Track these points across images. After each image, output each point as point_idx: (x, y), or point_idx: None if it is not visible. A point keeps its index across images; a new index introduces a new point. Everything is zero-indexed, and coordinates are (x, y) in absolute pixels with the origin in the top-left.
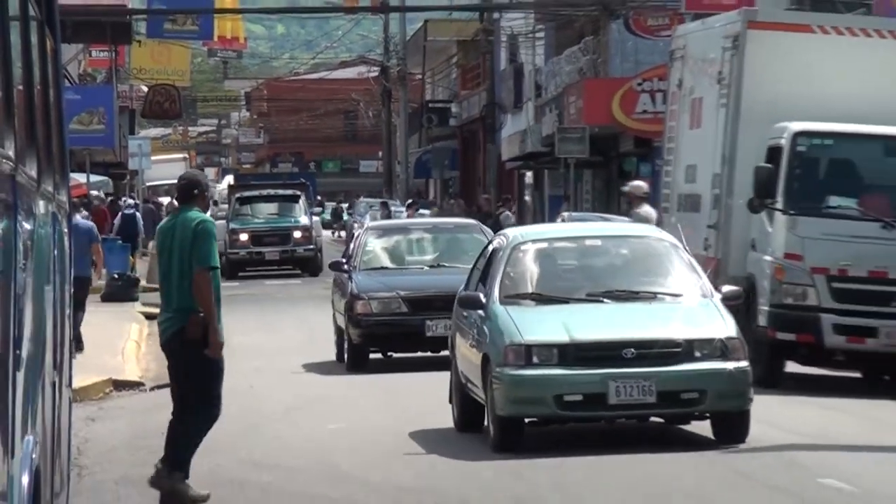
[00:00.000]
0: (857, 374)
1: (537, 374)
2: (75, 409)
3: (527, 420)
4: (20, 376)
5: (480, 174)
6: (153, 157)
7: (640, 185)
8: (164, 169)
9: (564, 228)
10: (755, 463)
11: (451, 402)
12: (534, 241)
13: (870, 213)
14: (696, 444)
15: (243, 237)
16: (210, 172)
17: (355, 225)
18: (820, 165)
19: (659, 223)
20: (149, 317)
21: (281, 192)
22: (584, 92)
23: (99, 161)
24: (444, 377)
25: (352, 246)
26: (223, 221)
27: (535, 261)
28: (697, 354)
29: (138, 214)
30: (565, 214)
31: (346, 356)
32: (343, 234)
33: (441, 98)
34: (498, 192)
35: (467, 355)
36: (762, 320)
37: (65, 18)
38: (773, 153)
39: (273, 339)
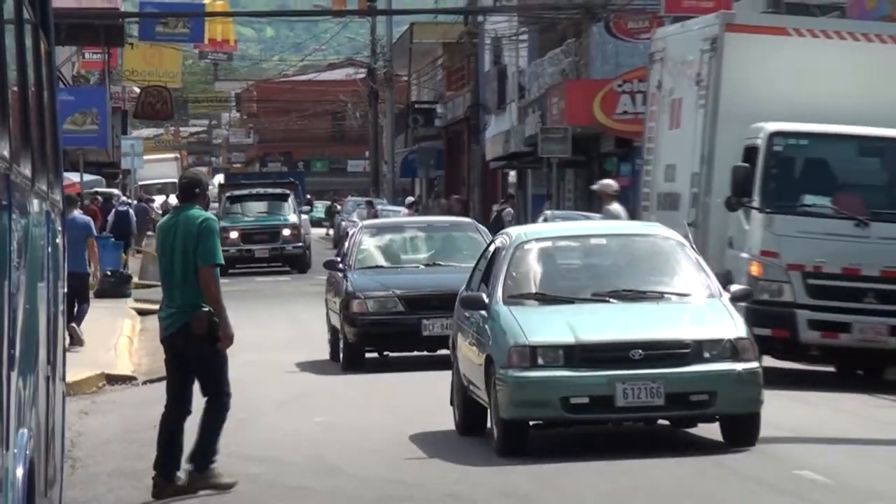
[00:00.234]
0: (831, 369)
1: (542, 375)
2: (69, 403)
3: (531, 423)
4: (14, 371)
5: (465, 174)
6: (145, 157)
7: (611, 183)
8: (155, 168)
9: (568, 227)
10: (746, 461)
11: (452, 404)
12: (537, 239)
13: (844, 211)
14: (705, 447)
15: (233, 235)
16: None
17: (342, 223)
18: (795, 165)
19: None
20: (141, 313)
21: (270, 190)
22: (567, 93)
23: (92, 161)
24: (441, 376)
25: (346, 244)
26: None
27: (539, 260)
28: (706, 355)
29: (131, 212)
30: (548, 213)
31: (341, 355)
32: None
33: (426, 99)
34: (482, 191)
35: (469, 357)
36: None
37: (59, 21)
38: (750, 153)
39: (263, 334)
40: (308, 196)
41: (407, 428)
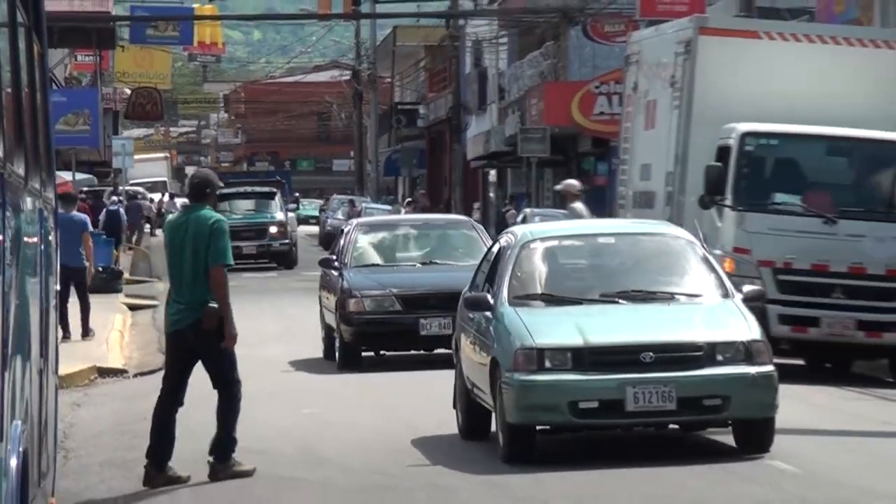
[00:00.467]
0: (801, 362)
1: (550, 379)
2: (61, 396)
3: (538, 427)
4: (8, 365)
5: (447, 173)
6: (136, 157)
7: (574, 183)
8: (146, 168)
9: (575, 226)
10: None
11: (454, 407)
12: (543, 238)
13: (813, 209)
14: (718, 453)
15: None
16: (190, 171)
17: (328, 220)
18: (766, 164)
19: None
20: (132, 308)
21: (258, 189)
22: (545, 94)
23: (84, 160)
24: (439, 376)
25: (341, 242)
26: None
27: (546, 260)
28: (720, 358)
29: (121, 210)
30: (527, 211)
31: (337, 355)
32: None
33: (409, 100)
34: (463, 190)
35: (474, 359)
36: None
37: (51, 24)
38: (723, 153)
39: (252, 328)
40: (296, 194)
41: (409, 432)
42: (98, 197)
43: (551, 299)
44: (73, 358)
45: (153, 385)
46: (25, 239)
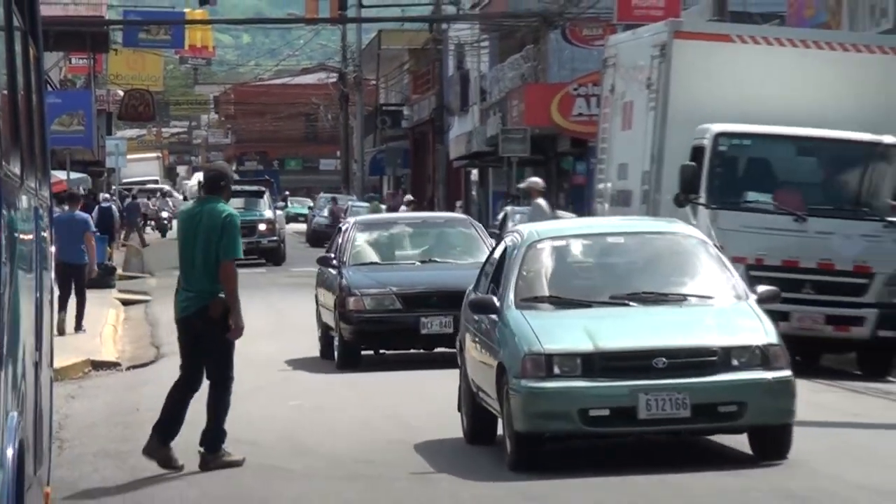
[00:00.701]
0: None
1: (559, 386)
2: (56, 388)
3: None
4: (4, 358)
5: (430, 172)
6: (129, 156)
7: (537, 181)
8: (138, 167)
9: (583, 225)
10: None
11: (459, 410)
12: (550, 238)
13: (783, 207)
14: (733, 460)
15: None
16: (181, 170)
17: (315, 218)
18: (739, 163)
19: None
20: (125, 303)
21: (247, 188)
22: (526, 96)
23: (78, 160)
24: (441, 375)
25: (339, 240)
26: None
27: (553, 260)
28: (735, 363)
29: (114, 208)
30: (508, 209)
31: (335, 353)
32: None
33: (394, 102)
34: (446, 188)
35: (479, 363)
36: None
37: (47, 28)
38: (697, 152)
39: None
40: (286, 193)
41: (412, 434)
42: (90, 196)
43: (559, 302)
44: (67, 351)
45: (145, 378)
46: (21, 236)
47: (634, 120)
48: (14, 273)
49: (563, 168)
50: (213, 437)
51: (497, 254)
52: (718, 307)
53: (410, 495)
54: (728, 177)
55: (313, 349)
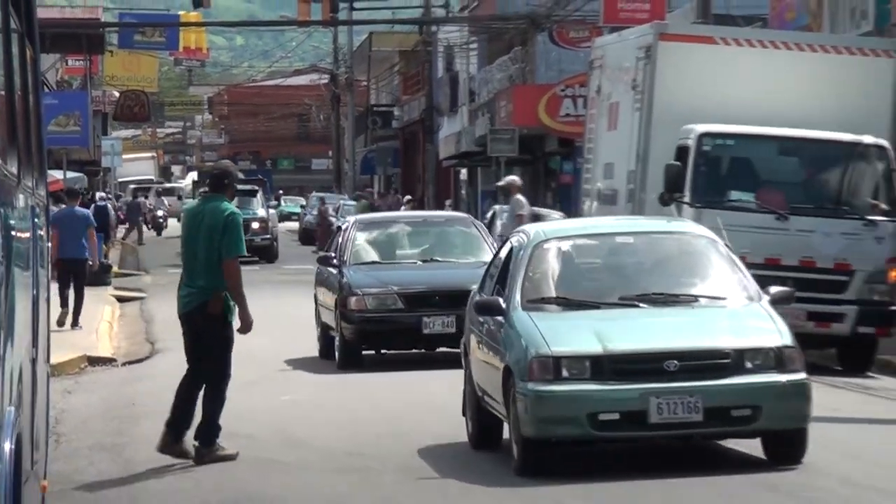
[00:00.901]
0: None
1: (568, 389)
2: (53, 383)
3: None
4: (2, 354)
5: (420, 171)
6: (124, 156)
7: (515, 179)
8: (134, 166)
9: (591, 225)
10: None
11: (464, 414)
12: (558, 238)
13: (766, 205)
14: (747, 465)
15: None
16: (176, 170)
17: (306, 217)
18: (722, 163)
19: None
20: (120, 300)
21: (240, 187)
22: (514, 97)
23: (75, 159)
24: (443, 375)
25: (339, 239)
26: None
27: (560, 261)
28: (749, 366)
29: (109, 206)
30: (496, 208)
31: (336, 353)
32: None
33: (384, 103)
34: (436, 187)
35: (485, 366)
36: None
37: (43, 31)
38: (682, 152)
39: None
40: (280, 191)
41: (418, 438)
42: (86, 194)
43: (567, 303)
44: (64, 347)
45: (140, 373)
46: (18, 234)
47: (620, 120)
48: (11, 270)
49: (551, 167)
50: (208, 431)
51: (502, 254)
52: (731, 308)
53: (419, 499)
54: (712, 176)
55: (311, 346)
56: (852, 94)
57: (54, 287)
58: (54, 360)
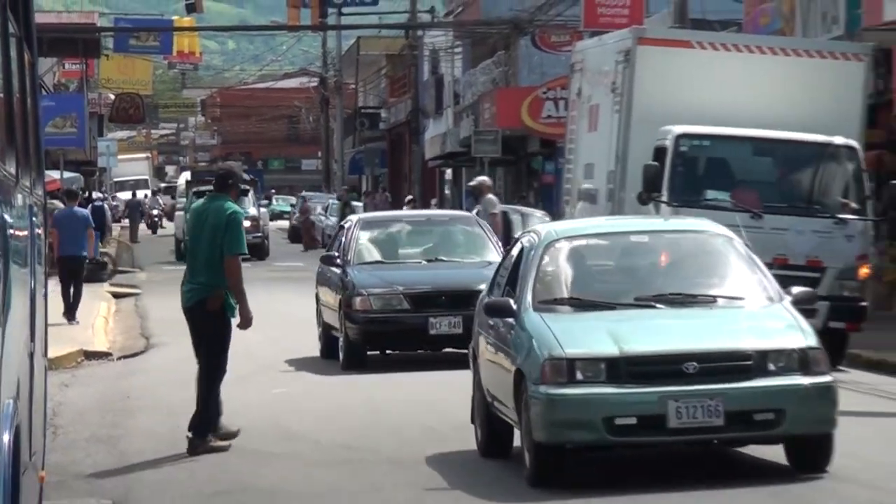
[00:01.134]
0: None
1: (583, 393)
2: (50, 377)
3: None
4: (0, 348)
5: (406, 171)
6: (119, 157)
7: (485, 179)
8: (129, 167)
9: (604, 223)
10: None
11: (473, 422)
12: (570, 237)
13: (741, 204)
14: (769, 473)
15: None
16: (170, 170)
17: (295, 215)
18: (699, 163)
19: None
20: (116, 296)
21: None
22: (497, 99)
23: (71, 160)
24: (450, 377)
25: (342, 239)
26: (182, 212)
27: (573, 260)
28: (772, 368)
29: (105, 206)
30: (479, 207)
31: (340, 354)
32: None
33: (372, 105)
34: (422, 187)
35: (495, 370)
36: None
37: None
38: (659, 153)
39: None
40: (272, 191)
41: (428, 445)
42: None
43: (580, 304)
44: (61, 342)
45: (135, 367)
46: (16, 232)
47: (600, 122)
48: (9, 267)
49: (533, 168)
50: (201, 423)
51: (513, 254)
52: (752, 309)
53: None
54: (688, 176)
55: (308, 344)
56: (824, 96)
57: (54, 285)
58: (52, 354)
